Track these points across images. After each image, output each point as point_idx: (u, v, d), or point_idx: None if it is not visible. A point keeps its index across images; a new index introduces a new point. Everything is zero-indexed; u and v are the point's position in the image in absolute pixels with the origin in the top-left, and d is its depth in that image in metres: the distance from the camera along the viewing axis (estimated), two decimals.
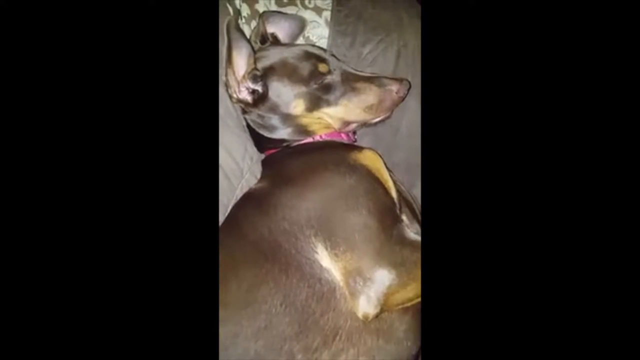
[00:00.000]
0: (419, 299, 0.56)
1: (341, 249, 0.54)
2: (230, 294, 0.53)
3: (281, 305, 0.52)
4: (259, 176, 0.70)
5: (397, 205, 0.62)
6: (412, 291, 0.54)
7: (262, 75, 0.70)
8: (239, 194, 0.67)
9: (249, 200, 0.64)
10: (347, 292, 0.53)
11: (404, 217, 0.62)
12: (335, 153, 0.66)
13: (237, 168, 0.68)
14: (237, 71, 0.68)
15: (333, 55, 0.76)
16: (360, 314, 0.53)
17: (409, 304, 0.55)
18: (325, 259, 0.55)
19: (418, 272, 0.53)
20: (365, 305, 0.52)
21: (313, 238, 0.55)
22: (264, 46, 0.77)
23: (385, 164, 0.68)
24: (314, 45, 0.81)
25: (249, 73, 0.69)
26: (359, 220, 0.55)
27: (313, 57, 0.72)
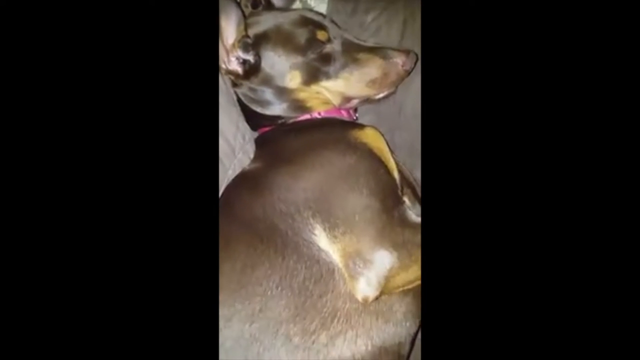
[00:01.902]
0: (420, 281, 0.53)
1: (340, 230, 0.52)
2: (223, 275, 0.51)
3: (277, 287, 0.50)
4: (252, 156, 0.65)
5: (399, 187, 0.59)
6: (414, 273, 0.52)
7: (254, 44, 0.64)
8: (231, 175, 0.63)
9: (243, 181, 0.61)
10: (346, 275, 0.51)
11: (405, 199, 0.59)
12: (335, 131, 0.61)
13: (229, 147, 0.63)
14: (225, 39, 0.62)
15: (333, 22, 0.69)
16: (359, 297, 0.51)
17: (410, 287, 0.53)
18: (323, 241, 0.52)
19: (420, 254, 0.51)
20: (365, 288, 0.51)
21: (311, 219, 0.53)
22: (255, 10, 0.71)
23: (387, 143, 0.63)
24: (311, 10, 0.74)
25: (239, 41, 0.63)
26: (360, 200, 0.52)
27: (311, 23, 0.66)
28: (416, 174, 0.72)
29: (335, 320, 0.50)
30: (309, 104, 0.68)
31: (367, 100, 0.69)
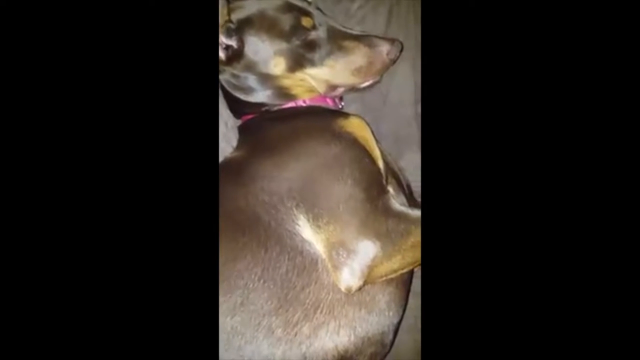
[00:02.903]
0: (404, 270, 0.54)
1: (324, 220, 0.51)
2: None
3: (259, 279, 0.49)
4: (235, 144, 0.64)
5: (384, 176, 0.58)
6: (397, 263, 0.52)
7: (237, 29, 0.63)
8: None
9: (224, 171, 0.59)
10: (329, 265, 0.51)
11: (390, 188, 0.59)
12: (320, 120, 0.61)
13: None
14: None
15: (318, 9, 0.68)
16: (343, 287, 0.51)
17: (393, 275, 0.53)
18: (306, 231, 0.52)
19: (403, 244, 0.51)
20: (349, 278, 0.50)
21: (294, 209, 0.52)
22: None
23: (372, 132, 0.63)
24: None
25: (222, 26, 0.61)
26: (344, 190, 0.52)
27: (295, 9, 0.64)
28: (401, 163, 0.73)
29: (318, 312, 0.50)
30: (293, 92, 0.67)
31: (353, 89, 0.69)
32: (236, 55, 0.63)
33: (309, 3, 0.69)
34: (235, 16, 0.63)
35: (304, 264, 0.51)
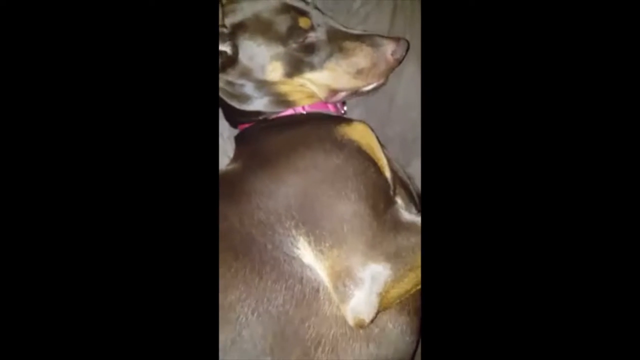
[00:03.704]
0: (418, 288, 0.49)
1: (327, 244, 0.47)
2: None
3: (253, 313, 0.45)
4: (231, 155, 0.61)
5: (391, 186, 0.54)
6: (410, 282, 0.48)
7: (231, 34, 0.59)
8: None
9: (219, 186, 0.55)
10: (336, 298, 0.47)
11: (398, 199, 0.55)
12: (320, 127, 0.56)
13: None
14: None
15: (317, 9, 0.64)
16: (352, 323, 0.46)
17: (406, 296, 0.49)
18: (308, 256, 0.48)
19: (415, 260, 0.47)
20: (360, 312, 0.46)
21: (293, 230, 0.48)
22: None
23: (378, 138, 0.59)
24: None
25: None
26: (348, 207, 0.48)
27: (292, 9, 0.60)
28: (409, 170, 0.68)
29: (320, 349, 0.45)
30: (292, 98, 0.63)
31: (356, 93, 0.65)
32: (230, 61, 0.60)
33: (307, 3, 0.65)
34: (228, 20, 0.60)
35: (303, 293, 0.46)
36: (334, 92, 0.63)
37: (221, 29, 0.58)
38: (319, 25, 0.61)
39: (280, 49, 0.59)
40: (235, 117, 0.64)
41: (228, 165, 0.59)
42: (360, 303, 0.45)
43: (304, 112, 0.63)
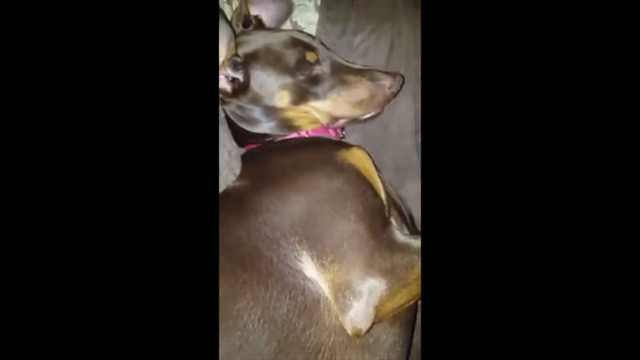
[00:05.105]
0: (410, 303, 0.53)
1: (329, 259, 0.51)
2: None
3: (259, 320, 0.48)
4: (238, 173, 0.65)
5: (386, 207, 0.59)
6: (403, 298, 0.52)
7: (244, 63, 0.64)
8: None
9: (227, 201, 0.59)
10: (336, 308, 0.50)
11: (392, 220, 0.59)
12: (322, 152, 0.61)
13: None
14: None
15: (322, 44, 0.70)
16: (350, 331, 0.50)
17: (399, 310, 0.53)
18: (310, 269, 0.51)
19: (409, 277, 0.51)
20: (357, 322, 0.49)
21: (297, 245, 0.52)
22: (246, 30, 0.71)
23: (373, 162, 0.64)
24: (301, 32, 0.75)
25: (228, 59, 0.63)
26: (348, 226, 0.52)
27: (300, 44, 0.66)
28: (401, 192, 0.73)
29: (320, 356, 0.49)
30: (297, 123, 0.68)
31: (355, 120, 0.70)
32: (242, 88, 0.65)
33: (313, 38, 0.71)
34: (242, 50, 0.65)
35: (305, 304, 0.50)
36: (335, 118, 0.69)
37: (234, 58, 0.63)
38: (324, 60, 0.66)
39: (288, 80, 0.64)
40: (244, 138, 0.69)
41: (235, 181, 0.63)
42: (358, 314, 0.49)
43: (307, 136, 0.68)
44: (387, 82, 0.65)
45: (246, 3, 0.71)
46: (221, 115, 0.68)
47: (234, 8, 0.75)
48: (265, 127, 0.68)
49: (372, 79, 0.66)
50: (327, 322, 0.50)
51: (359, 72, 0.67)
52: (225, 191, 0.61)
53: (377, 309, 0.50)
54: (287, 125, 0.68)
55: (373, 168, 0.62)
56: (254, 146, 0.69)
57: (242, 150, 0.70)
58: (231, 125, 0.69)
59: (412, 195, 0.74)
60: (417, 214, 0.71)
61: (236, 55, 0.63)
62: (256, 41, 0.67)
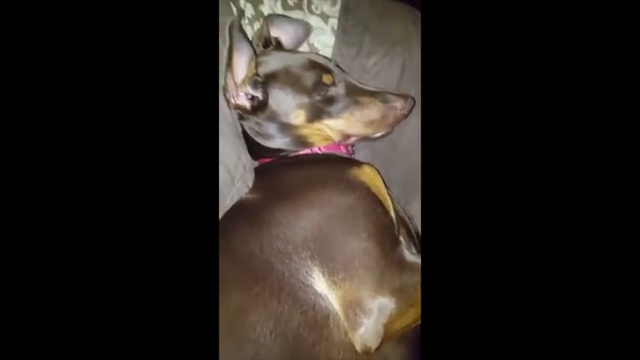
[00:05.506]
0: (417, 323, 0.54)
1: (340, 276, 0.52)
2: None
3: (271, 334, 0.49)
4: (250, 185, 0.67)
5: (396, 226, 0.60)
6: (411, 317, 0.53)
7: (263, 82, 0.67)
8: (228, 203, 0.64)
9: (240, 212, 0.61)
10: (346, 325, 0.51)
11: (401, 238, 0.60)
12: (334, 168, 0.64)
13: (229, 176, 0.65)
14: (236, 75, 0.65)
15: (338, 66, 0.73)
16: (360, 349, 0.51)
17: (406, 329, 0.54)
18: (321, 285, 0.52)
19: (416, 297, 0.52)
20: (367, 339, 0.50)
21: (309, 260, 0.53)
22: (266, 50, 0.74)
23: (383, 180, 0.66)
24: (318, 54, 0.78)
25: (249, 78, 0.66)
26: (359, 244, 0.53)
27: (317, 66, 0.69)
28: (409, 209, 0.76)
29: None
30: (310, 140, 0.71)
31: (365, 138, 0.73)
32: (261, 106, 0.68)
33: (330, 60, 0.75)
34: (262, 70, 0.68)
35: (316, 319, 0.51)
36: (347, 136, 0.71)
37: (255, 77, 0.67)
38: (339, 82, 0.69)
39: (305, 100, 0.67)
40: (258, 151, 0.72)
41: (247, 193, 0.65)
42: (368, 331, 0.50)
43: (320, 152, 0.71)
44: (398, 104, 0.68)
45: (267, 25, 0.75)
46: (239, 129, 0.72)
47: (255, 29, 0.79)
48: (280, 142, 0.70)
49: (385, 101, 0.68)
50: (337, 339, 0.51)
51: (372, 94, 0.69)
52: (239, 202, 0.63)
53: (386, 327, 0.51)
54: (301, 141, 0.70)
55: (383, 186, 0.64)
56: (267, 160, 0.72)
57: (256, 163, 0.73)
58: (247, 139, 0.72)
59: (419, 213, 0.76)
60: None
61: (257, 74, 0.67)
62: (276, 62, 0.70)
